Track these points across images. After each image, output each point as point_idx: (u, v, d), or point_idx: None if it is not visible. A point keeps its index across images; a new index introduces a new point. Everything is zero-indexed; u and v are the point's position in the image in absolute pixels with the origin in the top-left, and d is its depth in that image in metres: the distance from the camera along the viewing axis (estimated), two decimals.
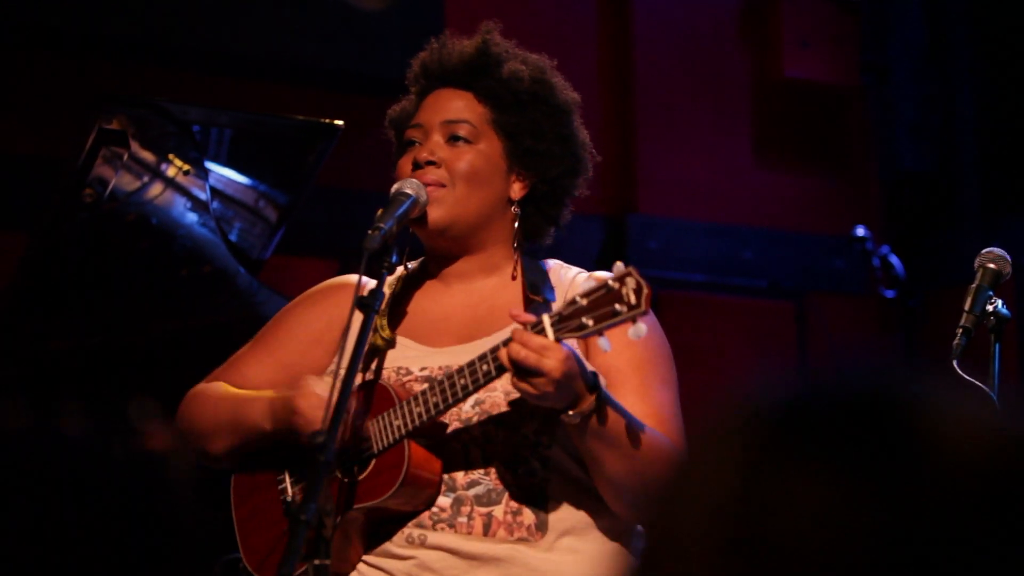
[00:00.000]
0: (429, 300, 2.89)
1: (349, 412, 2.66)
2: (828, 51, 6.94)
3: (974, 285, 3.13)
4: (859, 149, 7.24)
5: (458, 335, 2.82)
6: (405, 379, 2.76)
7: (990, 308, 3.10)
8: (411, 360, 2.80)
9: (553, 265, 2.92)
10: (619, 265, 2.47)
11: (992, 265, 3.15)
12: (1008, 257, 3.17)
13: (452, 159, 2.81)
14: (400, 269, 2.95)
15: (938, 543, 0.90)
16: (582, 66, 6.55)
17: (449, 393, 2.64)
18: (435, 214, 2.80)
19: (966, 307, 3.10)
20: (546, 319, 2.52)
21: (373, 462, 2.71)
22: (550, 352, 2.49)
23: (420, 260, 2.96)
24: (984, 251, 3.17)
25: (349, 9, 5.80)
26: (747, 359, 6.62)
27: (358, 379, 2.74)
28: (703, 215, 6.78)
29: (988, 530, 0.91)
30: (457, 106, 2.86)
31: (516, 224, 2.88)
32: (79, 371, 3.98)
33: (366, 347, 2.67)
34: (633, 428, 2.64)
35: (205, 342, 4.11)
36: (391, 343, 2.83)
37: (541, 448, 2.73)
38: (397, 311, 2.90)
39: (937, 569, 0.89)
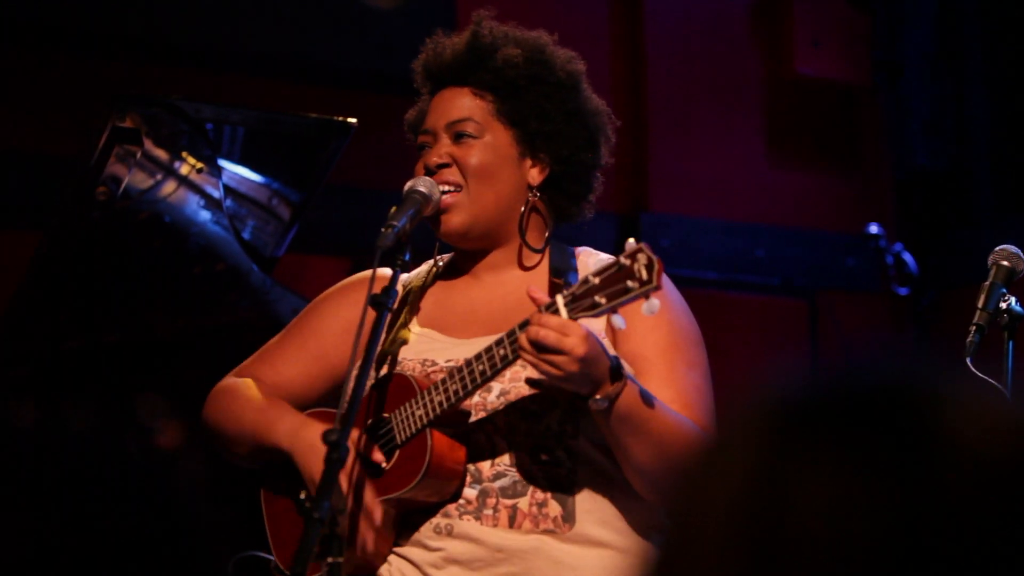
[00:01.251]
0: (458, 293, 2.90)
1: (363, 410, 2.67)
2: (840, 49, 6.93)
3: (987, 282, 3.13)
4: (872, 147, 7.23)
5: (486, 326, 2.80)
6: (430, 370, 2.75)
7: (1003, 305, 3.10)
8: (437, 352, 2.80)
9: (582, 251, 2.92)
10: (631, 242, 2.46)
11: (1005, 262, 3.14)
12: (1021, 254, 3.16)
13: (461, 157, 2.82)
14: (429, 264, 2.97)
15: (953, 538, 0.90)
16: (594, 64, 6.52)
17: (468, 380, 2.63)
18: (455, 221, 2.81)
19: (979, 304, 3.10)
20: (559, 299, 2.51)
21: (397, 453, 2.70)
22: (570, 330, 2.48)
23: (451, 254, 2.97)
24: (997, 248, 3.17)
25: (362, 7, 5.81)
26: (759, 357, 6.61)
27: (382, 371, 2.75)
28: (715, 213, 6.78)
29: (1002, 525, 0.91)
30: (458, 104, 2.86)
31: (539, 210, 2.87)
32: (91, 370, 3.98)
33: (380, 345, 2.67)
34: (659, 413, 2.62)
35: (218, 340, 4.12)
36: (414, 336, 2.84)
37: (566, 438, 2.72)
38: (426, 305, 2.91)
39: (952, 564, 0.89)
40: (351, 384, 2.57)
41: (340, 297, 2.98)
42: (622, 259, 2.45)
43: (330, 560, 2.41)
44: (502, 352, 2.59)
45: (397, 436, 2.71)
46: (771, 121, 6.98)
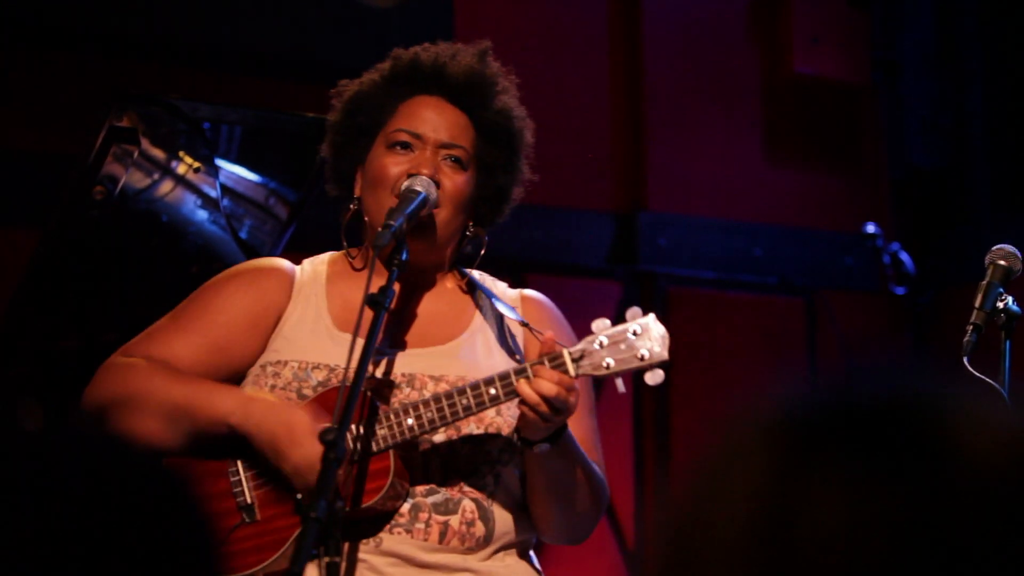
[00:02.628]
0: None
1: (358, 410, 2.67)
2: (838, 48, 6.93)
3: (985, 282, 3.13)
4: (869, 146, 7.22)
5: (415, 339, 2.84)
6: (367, 382, 2.75)
7: (1001, 305, 3.10)
8: (375, 364, 2.80)
9: (477, 273, 2.98)
10: (636, 310, 2.55)
11: (1003, 262, 3.14)
12: (1019, 254, 3.16)
13: (447, 182, 2.83)
14: (326, 261, 2.95)
15: (961, 547, 0.90)
16: (592, 63, 6.54)
17: (448, 412, 2.65)
18: (429, 236, 2.83)
19: (977, 304, 3.10)
20: (567, 355, 2.57)
21: (352, 468, 2.67)
22: (575, 391, 2.59)
23: (333, 256, 2.96)
24: (995, 248, 3.17)
25: (360, 6, 5.80)
26: (757, 356, 6.61)
27: (333, 383, 2.74)
28: (713, 212, 6.77)
29: (1010, 533, 0.91)
30: (455, 125, 2.89)
31: (464, 238, 2.94)
32: (89, 369, 3.98)
33: (377, 341, 2.67)
34: (583, 460, 2.75)
35: None
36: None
37: (499, 465, 2.79)
38: (335, 308, 2.88)
39: (957, 567, 0.89)
40: (349, 383, 2.56)
41: (245, 284, 2.92)
42: (633, 326, 2.56)
43: (327, 560, 2.41)
44: (492, 392, 2.63)
45: (354, 451, 2.67)
46: (769, 120, 6.98)
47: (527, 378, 2.59)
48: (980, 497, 0.91)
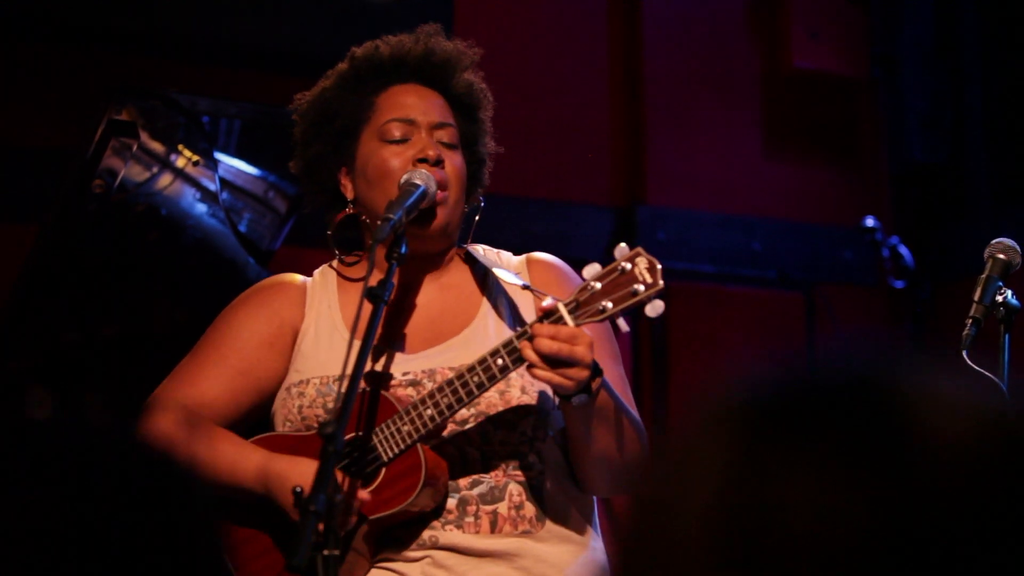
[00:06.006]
0: (394, 301, 2.87)
1: (356, 408, 2.67)
2: (837, 42, 6.93)
3: (983, 276, 3.12)
4: (868, 140, 7.23)
5: (430, 337, 2.84)
6: (389, 385, 2.76)
7: (1000, 299, 3.10)
8: (391, 366, 2.80)
9: (481, 248, 2.97)
10: (623, 247, 2.50)
11: (1002, 255, 3.14)
12: (1018, 247, 3.16)
13: (449, 160, 2.84)
14: (331, 269, 2.96)
15: (935, 533, 0.90)
16: (592, 58, 6.53)
17: (463, 392, 2.64)
18: (443, 218, 2.83)
19: (975, 298, 3.10)
20: (562, 307, 2.55)
21: (383, 472, 2.69)
22: (580, 340, 2.54)
23: (331, 265, 2.96)
24: (994, 241, 3.17)
25: (359, 1, 5.80)
26: (755, 350, 6.61)
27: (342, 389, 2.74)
28: (712, 206, 6.78)
29: (992, 520, 0.91)
30: (439, 107, 2.90)
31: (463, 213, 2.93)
32: (89, 363, 3.98)
33: (375, 340, 2.66)
34: (620, 403, 2.71)
35: None
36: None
37: (537, 442, 2.78)
38: (348, 315, 2.88)
39: (934, 559, 0.89)
40: (347, 378, 2.56)
41: (255, 307, 2.93)
42: (622, 263, 2.50)
43: (325, 553, 2.41)
44: (500, 363, 2.61)
45: (383, 454, 2.70)
46: (768, 114, 6.98)
47: (528, 339, 2.57)
48: (950, 478, 0.91)
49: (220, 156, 4.03)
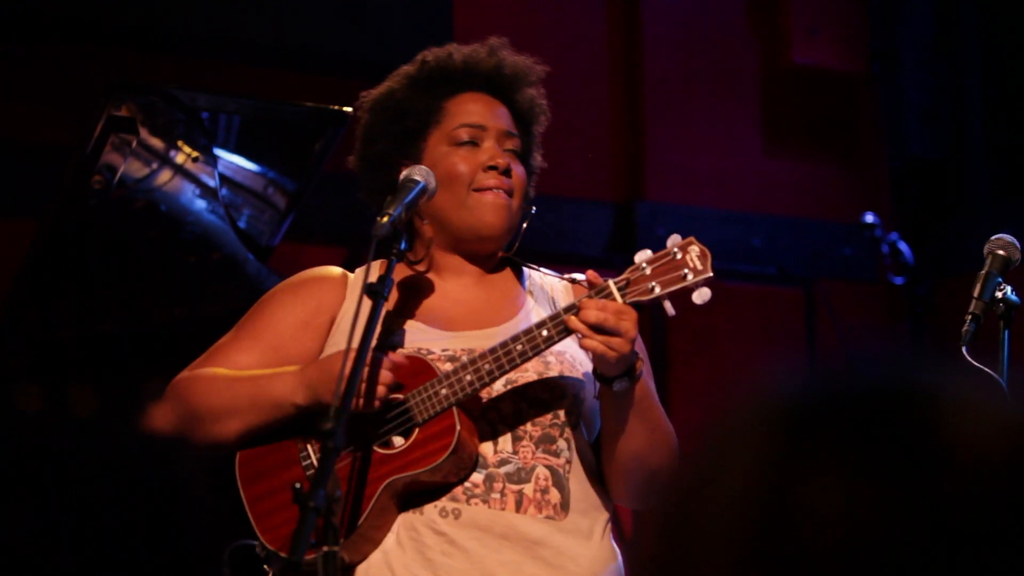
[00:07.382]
0: (441, 291, 2.94)
1: (359, 397, 2.67)
2: (837, 38, 6.93)
3: (983, 271, 3.13)
4: (868, 136, 7.22)
5: (473, 322, 2.88)
6: (428, 358, 2.78)
7: (999, 294, 3.10)
8: (431, 341, 2.83)
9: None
10: (676, 237, 2.63)
11: (1001, 251, 3.14)
12: (1017, 243, 3.16)
13: (515, 171, 2.93)
14: (376, 266, 2.98)
15: (954, 529, 0.90)
16: (592, 54, 6.53)
17: (505, 360, 2.70)
18: (499, 221, 2.89)
19: (975, 293, 3.10)
20: (612, 284, 2.64)
21: (416, 432, 2.72)
22: (627, 314, 2.63)
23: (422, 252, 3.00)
24: (993, 237, 3.17)
25: None
26: (755, 346, 6.62)
27: (379, 356, 2.76)
28: (712, 202, 6.78)
29: (1004, 525, 0.91)
30: (508, 117, 2.98)
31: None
32: (88, 358, 3.98)
33: (376, 331, 2.67)
34: (657, 402, 2.78)
35: (214, 329, 4.12)
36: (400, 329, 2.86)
37: (569, 428, 2.81)
38: (410, 300, 2.92)
39: (953, 555, 0.89)
40: (347, 373, 2.56)
41: (293, 292, 2.97)
42: (674, 249, 2.62)
43: (325, 549, 2.41)
44: (545, 334, 2.68)
45: (417, 415, 2.73)
46: (768, 110, 6.98)
47: (575, 312, 2.64)
48: (976, 485, 0.91)
49: (219, 152, 4.03)
